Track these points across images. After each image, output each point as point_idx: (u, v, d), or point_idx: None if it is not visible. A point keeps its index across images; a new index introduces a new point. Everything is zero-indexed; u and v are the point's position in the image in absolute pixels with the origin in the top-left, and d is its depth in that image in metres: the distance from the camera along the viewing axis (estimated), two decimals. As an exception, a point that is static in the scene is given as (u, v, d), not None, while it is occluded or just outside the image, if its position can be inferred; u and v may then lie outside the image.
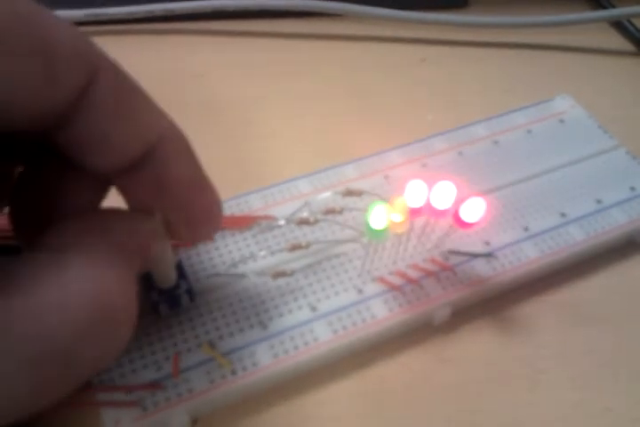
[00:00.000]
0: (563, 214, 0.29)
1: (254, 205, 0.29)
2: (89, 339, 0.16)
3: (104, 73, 0.17)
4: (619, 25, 0.43)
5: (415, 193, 0.23)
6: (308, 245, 0.27)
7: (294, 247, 0.27)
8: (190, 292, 0.25)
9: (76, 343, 0.16)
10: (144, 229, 0.19)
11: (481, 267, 0.27)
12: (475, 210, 0.24)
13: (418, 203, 0.24)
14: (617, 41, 0.42)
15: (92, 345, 0.16)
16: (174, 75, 0.38)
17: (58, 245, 0.17)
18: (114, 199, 0.20)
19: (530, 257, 0.28)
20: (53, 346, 0.15)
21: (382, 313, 0.26)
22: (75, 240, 0.18)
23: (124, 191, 0.20)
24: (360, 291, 0.26)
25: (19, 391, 0.15)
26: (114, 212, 0.20)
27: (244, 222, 0.28)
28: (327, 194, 0.29)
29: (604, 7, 0.43)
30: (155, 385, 0.23)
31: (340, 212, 0.28)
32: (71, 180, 0.20)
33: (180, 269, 0.25)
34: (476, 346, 0.27)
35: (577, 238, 0.29)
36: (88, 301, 0.16)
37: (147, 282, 0.24)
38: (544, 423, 0.25)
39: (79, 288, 0.16)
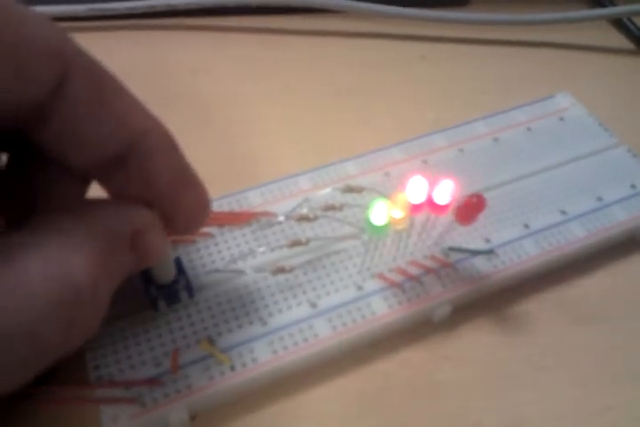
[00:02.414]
0: (563, 212, 0.29)
1: (254, 201, 0.29)
2: (51, 321, 0.16)
3: (78, 70, 0.17)
4: (618, 23, 0.43)
5: (416, 190, 0.23)
6: (307, 242, 0.27)
7: (294, 244, 0.27)
8: (189, 288, 0.25)
9: (39, 325, 0.16)
10: (129, 216, 0.19)
11: (481, 264, 0.27)
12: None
13: (418, 199, 0.23)
14: (617, 39, 0.42)
15: (54, 327, 0.16)
16: (174, 70, 0.38)
17: (33, 229, 0.17)
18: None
19: (530, 254, 0.28)
20: (15, 326, 0.15)
21: (382, 310, 0.26)
22: (50, 224, 0.17)
23: (108, 188, 0.20)
24: (360, 288, 0.26)
25: None
26: (101, 200, 0.20)
27: (243, 219, 0.28)
28: (327, 190, 0.29)
29: (603, 5, 0.43)
30: (153, 381, 0.23)
31: (340, 208, 0.28)
32: (53, 171, 0.20)
33: (178, 264, 0.25)
34: (476, 343, 0.27)
35: (577, 236, 0.29)
36: (50, 282, 0.16)
37: (145, 277, 0.24)
38: (544, 421, 0.25)
39: (42, 269, 0.16)
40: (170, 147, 0.20)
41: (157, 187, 0.19)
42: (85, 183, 0.21)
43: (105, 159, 0.18)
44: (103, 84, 0.18)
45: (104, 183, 0.20)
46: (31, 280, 0.16)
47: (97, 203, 0.20)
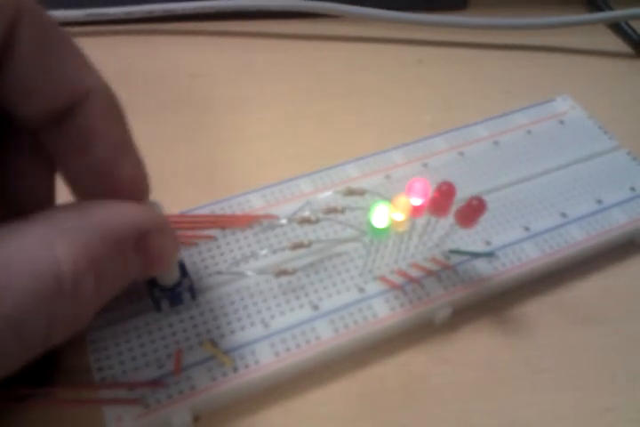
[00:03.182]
0: (563, 214, 0.29)
1: (256, 204, 0.29)
2: (32, 310, 0.16)
3: (28, 20, 0.17)
4: (616, 27, 0.43)
5: (416, 192, 0.23)
6: (309, 244, 0.27)
7: (296, 246, 0.27)
8: (192, 289, 0.25)
9: (18, 313, 0.15)
10: (135, 217, 0.19)
11: (482, 266, 0.27)
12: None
13: (419, 202, 0.24)
14: (614, 43, 0.42)
15: (35, 317, 0.16)
16: (173, 75, 0.38)
17: (25, 218, 0.17)
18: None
19: (530, 257, 0.28)
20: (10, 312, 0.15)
21: (383, 312, 0.26)
22: (44, 216, 0.17)
23: (51, 148, 0.19)
24: (361, 290, 0.26)
25: None
26: (108, 200, 0.20)
27: (245, 221, 0.28)
28: (328, 193, 0.29)
29: (601, 9, 0.43)
30: (157, 383, 0.23)
31: (342, 211, 0.28)
32: (22, 163, 0.20)
33: (181, 266, 0.25)
34: (476, 346, 0.27)
35: (577, 238, 0.29)
36: (31, 268, 0.16)
37: (149, 280, 0.24)
38: (543, 423, 0.25)
39: (24, 255, 0.16)
40: (113, 109, 0.19)
41: (95, 149, 0.19)
42: (50, 175, 0.21)
43: (50, 113, 0.18)
44: (53, 37, 0.17)
45: (48, 141, 0.19)
46: (11, 266, 0.15)
47: (103, 202, 0.19)
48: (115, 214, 0.19)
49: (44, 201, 0.21)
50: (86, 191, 0.20)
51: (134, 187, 0.20)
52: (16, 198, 0.20)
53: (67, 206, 0.18)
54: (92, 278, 0.17)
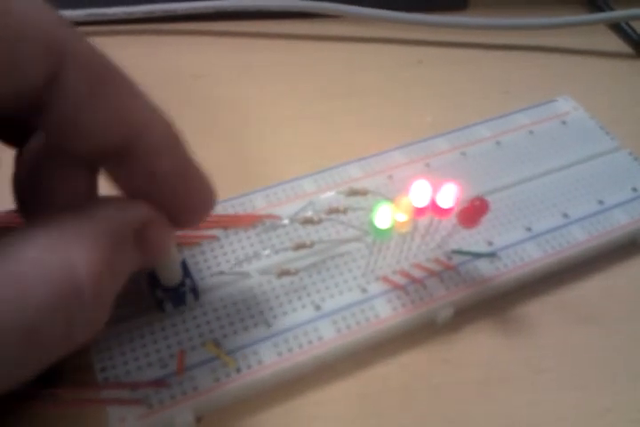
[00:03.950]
0: (565, 215, 0.29)
1: (258, 204, 0.29)
2: (49, 316, 0.16)
3: (75, 59, 0.16)
4: (617, 27, 0.43)
5: (419, 193, 0.23)
6: (312, 245, 0.27)
7: (298, 246, 0.27)
8: (195, 290, 0.25)
9: (35, 319, 0.15)
10: (132, 212, 0.19)
11: (484, 267, 0.27)
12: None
13: (422, 202, 0.24)
14: (615, 43, 0.42)
15: (53, 323, 0.16)
16: (174, 75, 0.38)
17: (34, 223, 0.17)
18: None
19: (532, 257, 0.28)
20: (11, 321, 0.15)
21: (386, 312, 0.26)
22: (52, 219, 0.17)
23: (115, 179, 0.19)
24: (364, 290, 0.26)
25: None
26: (103, 197, 0.20)
27: (248, 221, 0.28)
28: (331, 193, 0.29)
29: (601, 10, 0.43)
30: (160, 383, 0.23)
31: (344, 211, 0.28)
32: (60, 164, 0.20)
33: (184, 267, 0.25)
34: (478, 346, 0.27)
35: (579, 239, 0.29)
36: (47, 273, 0.16)
37: (152, 280, 0.24)
38: (544, 424, 0.25)
39: (40, 261, 0.16)
40: (171, 142, 0.19)
41: (161, 180, 0.19)
42: (93, 178, 0.21)
43: (105, 151, 0.18)
44: (102, 75, 0.17)
45: (110, 174, 0.19)
46: (28, 276, 0.15)
47: (99, 200, 0.20)
48: (115, 212, 0.19)
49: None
50: None
51: (197, 208, 0.21)
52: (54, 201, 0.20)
53: (70, 209, 0.18)
54: (108, 278, 0.17)
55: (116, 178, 0.19)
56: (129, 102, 0.18)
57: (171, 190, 0.20)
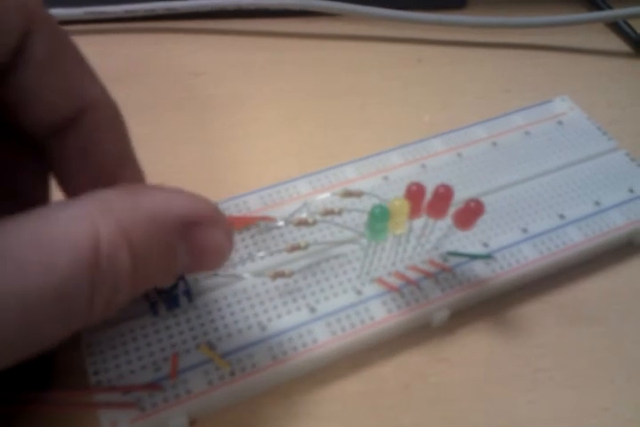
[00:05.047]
0: (561, 216, 0.29)
1: (253, 205, 0.29)
2: (76, 280, 0.16)
3: (42, 28, 0.17)
4: (615, 26, 0.43)
5: (415, 194, 0.23)
6: (306, 246, 0.27)
7: (293, 248, 0.27)
8: (189, 292, 0.25)
9: (65, 281, 0.16)
10: (184, 203, 0.19)
11: (479, 268, 0.27)
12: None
13: (417, 204, 0.24)
14: (614, 42, 0.42)
15: (81, 287, 0.16)
16: (174, 73, 0.38)
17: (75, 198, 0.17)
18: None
19: (528, 258, 0.28)
20: (44, 282, 0.15)
21: (381, 315, 0.26)
22: (93, 196, 0.18)
23: (53, 158, 0.20)
24: (359, 292, 0.26)
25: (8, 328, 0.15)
26: (160, 186, 0.19)
27: (242, 223, 0.28)
28: (326, 195, 0.29)
29: (600, 8, 0.43)
30: (153, 386, 0.23)
31: (339, 213, 0.28)
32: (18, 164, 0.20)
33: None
34: (474, 347, 0.27)
35: (575, 240, 0.29)
36: (74, 240, 0.16)
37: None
38: (542, 423, 0.25)
39: (69, 227, 0.16)
40: (116, 121, 0.20)
41: (98, 158, 0.19)
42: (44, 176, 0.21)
43: (55, 121, 0.18)
44: (63, 44, 0.18)
45: (50, 150, 0.19)
46: (57, 240, 0.16)
47: (154, 187, 0.19)
48: (161, 200, 0.18)
49: (39, 200, 0.22)
50: None
51: None
52: (8, 197, 0.20)
53: (117, 188, 0.18)
54: (126, 256, 0.17)
55: (55, 157, 0.20)
56: (83, 76, 0.19)
57: (106, 167, 0.20)
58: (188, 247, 0.19)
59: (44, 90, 0.18)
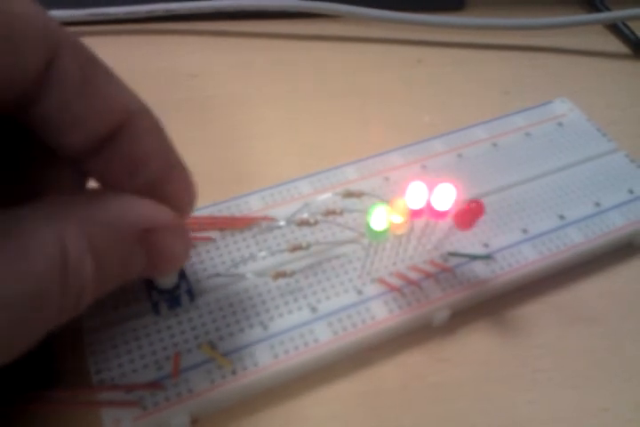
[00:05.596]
0: (561, 217, 0.29)
1: (254, 206, 0.29)
2: (48, 284, 0.17)
3: (67, 49, 0.17)
4: (614, 28, 0.43)
5: (415, 195, 0.23)
6: (308, 246, 0.27)
7: (294, 248, 0.27)
8: (190, 292, 0.25)
9: (39, 285, 0.16)
10: (144, 210, 0.19)
11: (480, 269, 0.27)
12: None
13: (418, 204, 0.24)
14: (613, 44, 0.42)
15: (51, 290, 0.17)
16: (173, 74, 0.38)
17: (36, 205, 0.18)
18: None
19: (528, 259, 0.28)
20: (22, 289, 0.16)
21: (382, 314, 0.26)
22: (59, 203, 0.18)
23: (96, 175, 0.20)
24: (360, 292, 0.26)
25: None
26: (121, 193, 0.20)
27: (244, 223, 0.28)
28: (327, 195, 0.29)
29: (598, 10, 0.43)
30: (155, 385, 0.23)
31: (340, 213, 0.28)
32: (50, 161, 0.20)
33: (180, 269, 0.25)
34: (475, 347, 0.27)
35: (575, 241, 0.29)
36: (43, 244, 0.17)
37: (147, 282, 0.24)
38: (541, 423, 0.25)
39: (37, 232, 0.17)
40: (156, 128, 0.20)
41: (145, 168, 0.19)
42: (79, 181, 0.21)
43: (94, 140, 0.18)
44: (91, 65, 0.18)
45: (93, 168, 0.20)
46: (27, 243, 0.16)
47: (116, 194, 0.20)
48: (122, 208, 0.19)
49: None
50: None
51: (183, 196, 0.21)
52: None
53: (79, 196, 0.19)
54: (89, 259, 0.18)
55: (98, 173, 0.20)
56: (115, 90, 0.19)
57: (155, 177, 0.20)
58: (147, 252, 0.20)
59: (78, 113, 0.18)
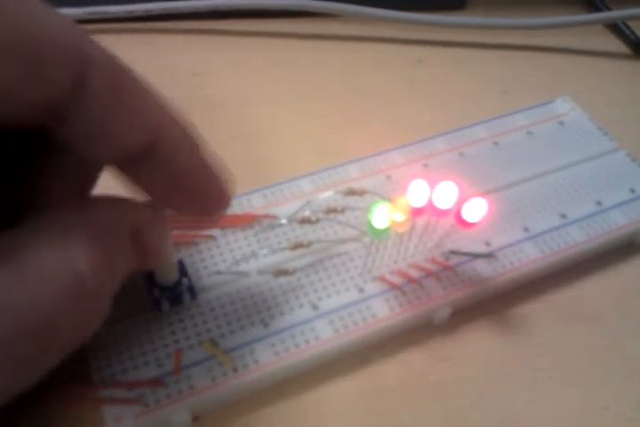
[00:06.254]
0: (563, 215, 0.29)
1: (256, 203, 0.29)
2: (60, 311, 0.16)
3: (98, 66, 0.17)
4: (614, 27, 0.43)
5: (417, 193, 0.23)
6: (309, 244, 0.27)
7: (296, 246, 0.27)
8: (192, 289, 0.25)
9: (48, 316, 0.16)
10: (128, 213, 0.20)
11: (481, 267, 0.27)
12: (476, 210, 0.24)
13: (420, 203, 0.24)
14: (613, 43, 0.42)
15: (65, 319, 0.16)
16: (173, 73, 0.38)
17: (33, 227, 0.17)
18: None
19: (530, 258, 0.28)
20: (31, 320, 0.15)
21: (383, 312, 0.26)
22: (51, 221, 0.18)
23: (137, 181, 0.20)
24: (361, 290, 0.26)
25: None
26: (100, 197, 0.20)
27: (245, 221, 0.28)
28: (329, 193, 0.29)
29: (599, 10, 0.43)
30: (156, 382, 0.23)
31: (342, 211, 0.28)
32: (57, 164, 0.20)
33: (181, 266, 0.25)
34: (475, 345, 0.27)
35: (577, 239, 0.29)
36: (51, 270, 0.16)
37: (149, 279, 0.24)
38: (542, 422, 0.25)
39: (43, 258, 0.16)
40: (189, 141, 0.20)
41: (182, 179, 0.20)
42: (90, 180, 0.21)
43: (128, 155, 0.18)
44: (123, 81, 0.18)
45: (129, 176, 0.20)
46: (32, 271, 0.16)
47: (96, 199, 0.20)
48: (113, 210, 0.19)
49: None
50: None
51: (220, 199, 0.22)
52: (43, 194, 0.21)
53: (70, 206, 0.19)
54: (107, 278, 0.18)
55: (136, 179, 0.20)
56: (148, 105, 0.18)
57: (192, 186, 0.20)
58: (136, 251, 0.20)
59: (110, 129, 0.17)
